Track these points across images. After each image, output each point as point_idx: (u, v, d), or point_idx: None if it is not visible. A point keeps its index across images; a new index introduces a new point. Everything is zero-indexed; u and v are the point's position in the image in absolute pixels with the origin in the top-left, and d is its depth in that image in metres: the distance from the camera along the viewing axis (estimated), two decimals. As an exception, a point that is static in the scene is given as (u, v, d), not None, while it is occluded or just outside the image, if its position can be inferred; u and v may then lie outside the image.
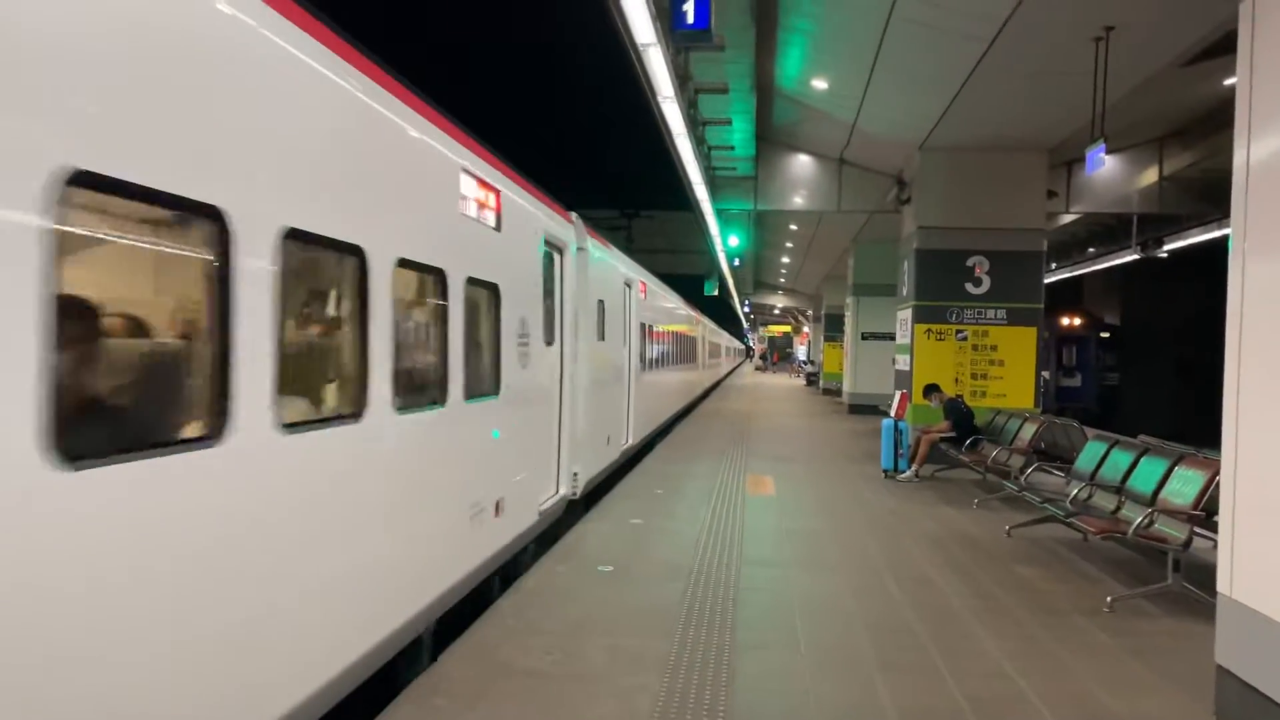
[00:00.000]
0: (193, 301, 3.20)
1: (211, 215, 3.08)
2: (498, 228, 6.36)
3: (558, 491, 8.55)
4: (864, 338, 24.65)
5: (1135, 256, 20.84)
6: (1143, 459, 7.62)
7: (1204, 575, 6.18)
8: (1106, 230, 24.34)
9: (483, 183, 6.01)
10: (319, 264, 4.07)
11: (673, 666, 5.02)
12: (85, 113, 2.53)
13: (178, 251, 3.20)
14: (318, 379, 4.18)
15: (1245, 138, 4.40)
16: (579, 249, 9.44)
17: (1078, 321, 31.26)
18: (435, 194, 5.27)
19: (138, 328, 2.99)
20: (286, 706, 3.55)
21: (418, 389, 5.01)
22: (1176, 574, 6.60)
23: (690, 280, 32.07)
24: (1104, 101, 9.86)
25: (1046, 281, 16.28)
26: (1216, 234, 17.02)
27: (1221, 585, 4.50)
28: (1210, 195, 16.02)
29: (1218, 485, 5.94)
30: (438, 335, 5.29)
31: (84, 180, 2.49)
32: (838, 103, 13.17)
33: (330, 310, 4.30)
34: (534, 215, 7.57)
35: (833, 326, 32.76)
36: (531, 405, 7.51)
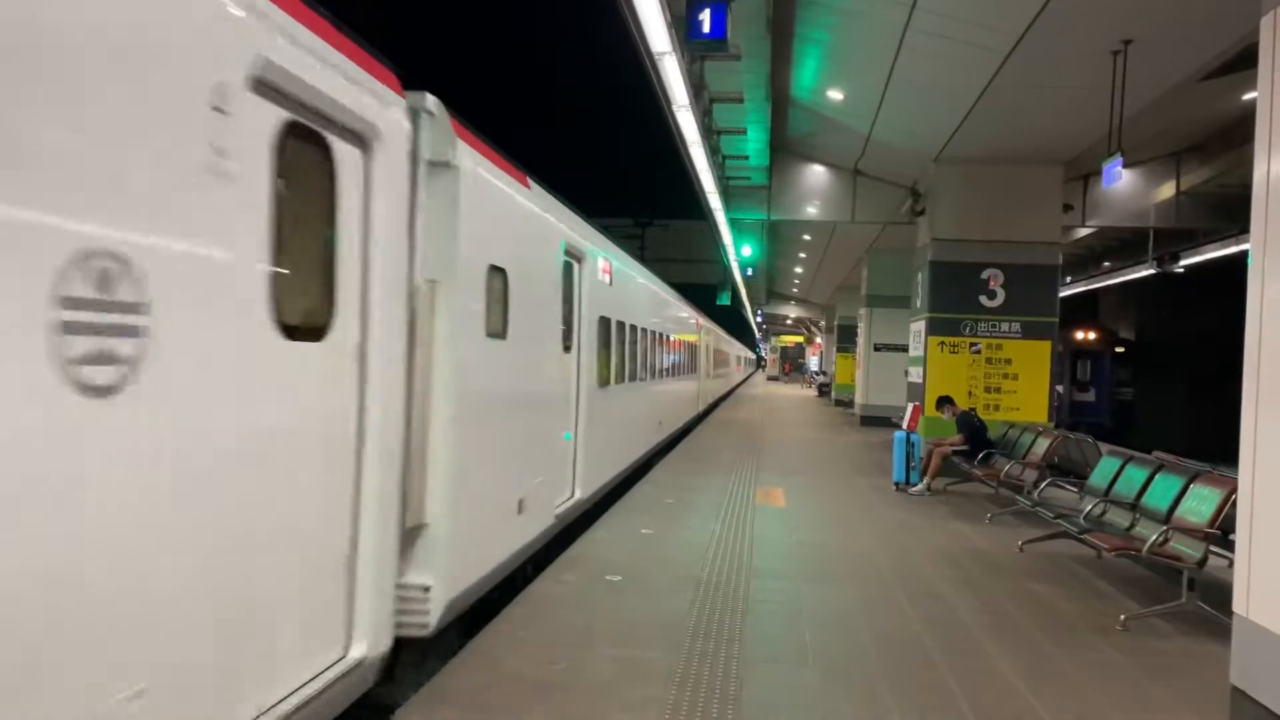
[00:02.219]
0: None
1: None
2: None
3: None
4: (877, 349, 24.56)
5: (1151, 271, 20.71)
6: (1158, 476, 7.54)
7: (1220, 595, 6.10)
8: (1122, 244, 24.24)
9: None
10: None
11: (681, 678, 4.98)
12: None
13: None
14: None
15: (1266, 151, 4.35)
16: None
17: (1092, 336, 31.10)
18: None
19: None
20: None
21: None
22: (1191, 593, 6.52)
23: (703, 290, 32.09)
24: (1121, 115, 9.81)
25: (1061, 295, 16.20)
26: (1233, 249, 16.91)
27: (1237, 605, 4.44)
28: (1227, 211, 15.93)
29: (1234, 503, 5.88)
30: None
31: None
32: (853, 113, 13.16)
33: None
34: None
35: (845, 337, 32.68)
36: None
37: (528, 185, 6.80)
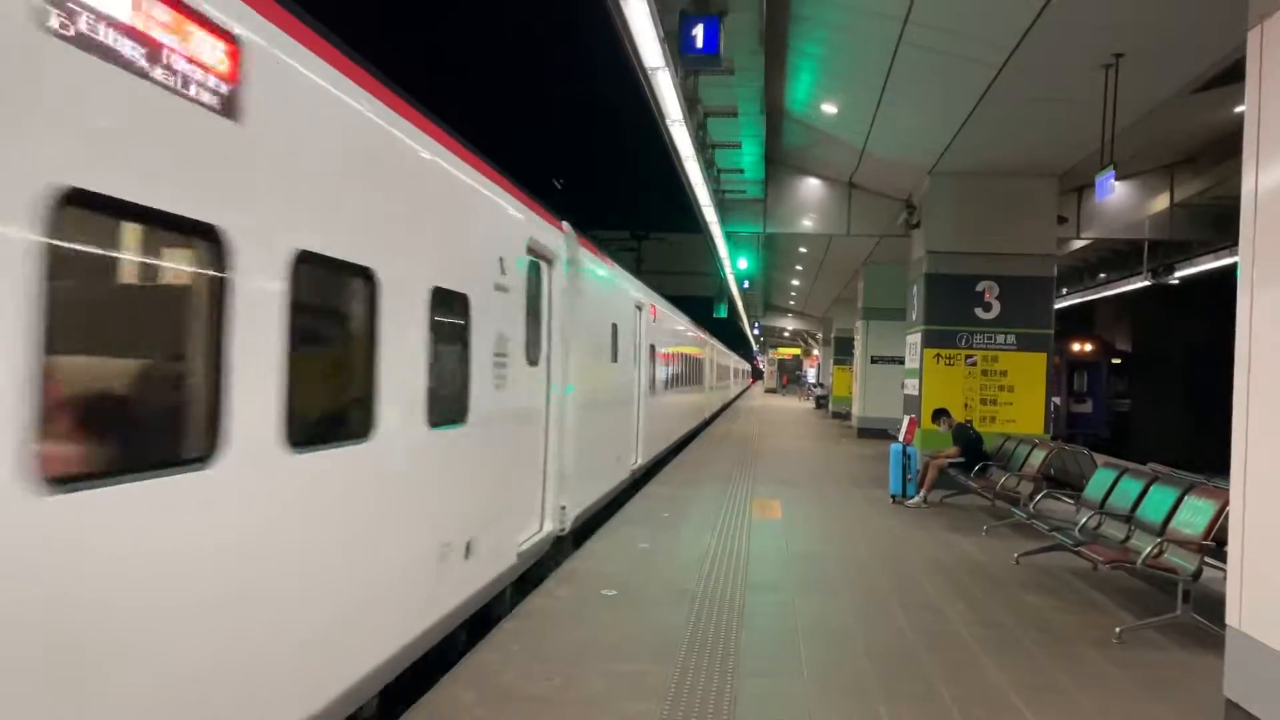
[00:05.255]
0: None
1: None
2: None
3: None
4: (873, 361, 24.59)
5: (1146, 283, 20.77)
6: (1152, 487, 7.54)
7: (1215, 606, 6.08)
8: (1117, 256, 24.31)
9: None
10: None
11: (675, 693, 4.97)
12: None
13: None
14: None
15: (1254, 164, 4.38)
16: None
17: (1089, 347, 31.14)
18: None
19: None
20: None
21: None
22: (1186, 605, 6.51)
23: (700, 302, 32.10)
24: (1114, 128, 9.85)
25: (1057, 307, 16.22)
26: (1227, 261, 16.98)
27: (1230, 618, 4.44)
28: (1221, 222, 15.99)
29: (1228, 515, 5.88)
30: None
31: None
32: (847, 127, 13.20)
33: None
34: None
35: (842, 350, 32.71)
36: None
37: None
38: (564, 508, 8.39)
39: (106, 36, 2.56)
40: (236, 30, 3.15)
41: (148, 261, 3.05)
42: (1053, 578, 8.20)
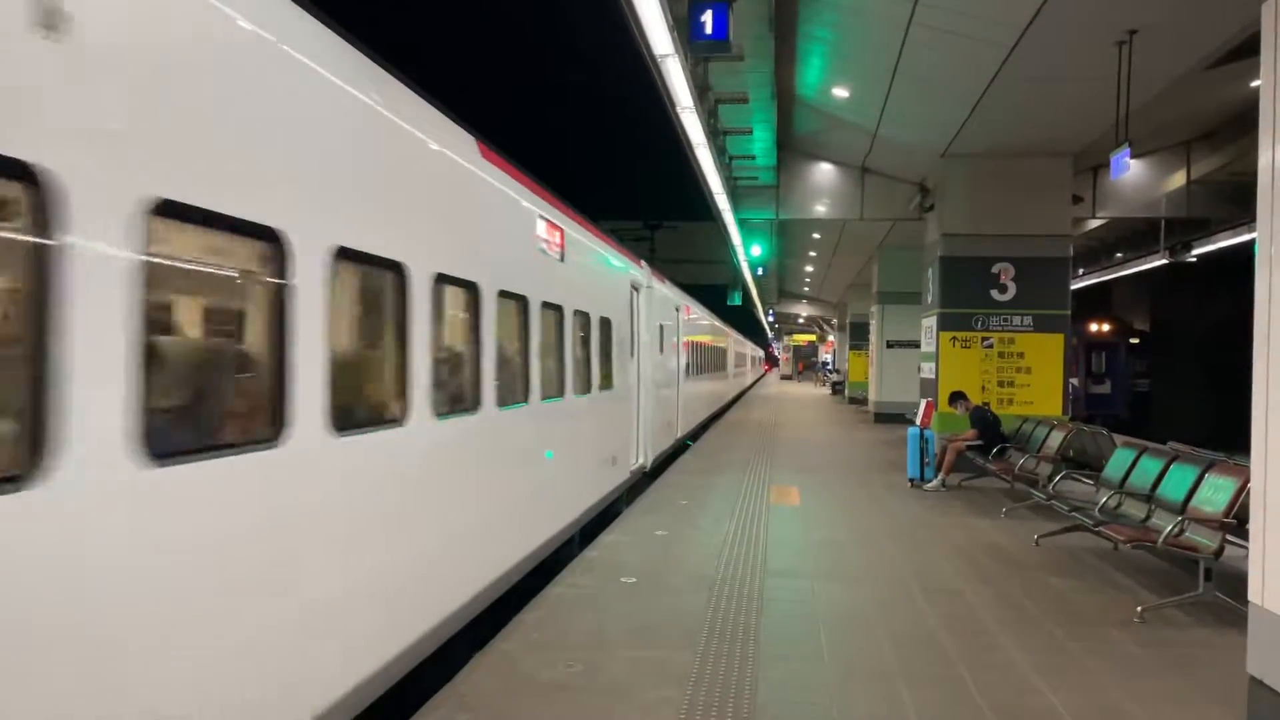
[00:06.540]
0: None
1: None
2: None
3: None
4: (889, 346, 24.52)
5: (1164, 261, 20.58)
6: (1172, 466, 7.51)
7: (1237, 584, 6.06)
8: (1134, 235, 24.09)
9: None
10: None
11: (696, 678, 5.00)
12: None
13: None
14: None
15: (1270, 139, 4.34)
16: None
17: (1106, 328, 30.91)
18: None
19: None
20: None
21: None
22: (1208, 583, 6.49)
23: (714, 290, 32.06)
24: (1128, 105, 9.77)
25: (1074, 287, 16.11)
26: (1246, 238, 16.78)
27: (1253, 594, 4.42)
28: (1239, 199, 15.83)
29: (1249, 492, 5.85)
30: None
31: None
32: (859, 111, 13.14)
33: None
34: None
35: (858, 335, 32.62)
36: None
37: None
38: None
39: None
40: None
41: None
42: (1073, 558, 8.18)
